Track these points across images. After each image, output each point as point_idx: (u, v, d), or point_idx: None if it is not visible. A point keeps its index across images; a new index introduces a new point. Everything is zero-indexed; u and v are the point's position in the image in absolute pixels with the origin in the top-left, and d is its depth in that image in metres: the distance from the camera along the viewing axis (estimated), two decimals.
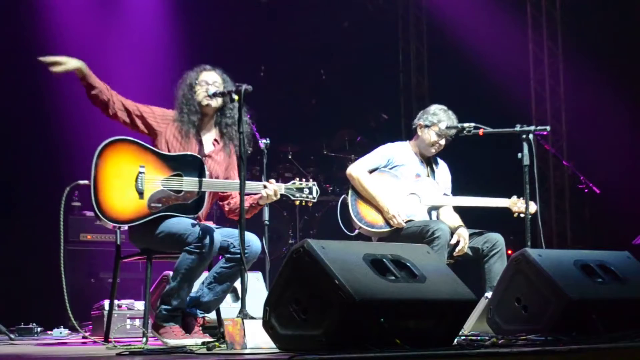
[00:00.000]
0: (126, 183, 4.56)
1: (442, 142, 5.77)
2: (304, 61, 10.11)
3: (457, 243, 5.49)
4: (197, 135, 4.81)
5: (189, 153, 4.73)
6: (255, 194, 4.79)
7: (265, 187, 4.74)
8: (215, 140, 4.90)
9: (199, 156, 4.72)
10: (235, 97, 4.46)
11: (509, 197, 5.72)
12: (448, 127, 5.69)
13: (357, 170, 5.69)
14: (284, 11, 10.03)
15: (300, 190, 4.85)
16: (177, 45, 8.97)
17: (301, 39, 10.02)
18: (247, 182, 4.58)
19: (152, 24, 9.20)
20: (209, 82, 4.84)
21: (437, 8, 10.46)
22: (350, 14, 10.65)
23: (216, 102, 4.83)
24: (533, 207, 5.47)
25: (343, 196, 5.72)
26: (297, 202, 4.88)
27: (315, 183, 4.91)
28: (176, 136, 4.76)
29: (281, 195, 4.81)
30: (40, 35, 8.35)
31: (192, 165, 4.68)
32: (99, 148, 4.55)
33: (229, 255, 4.65)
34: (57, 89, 8.29)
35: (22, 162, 8.04)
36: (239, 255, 4.50)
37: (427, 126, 5.77)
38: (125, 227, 4.66)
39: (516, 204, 5.67)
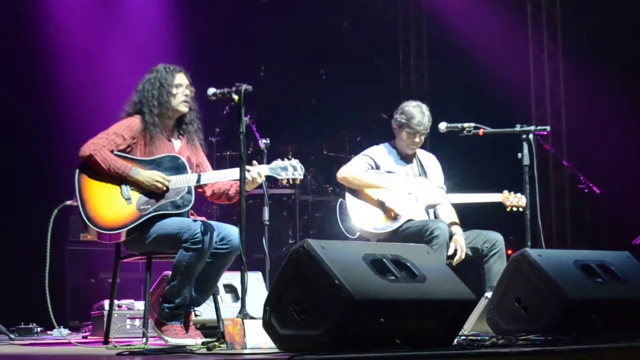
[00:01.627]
0: (111, 193, 4.61)
1: (417, 139, 5.66)
2: (304, 61, 10.11)
3: (455, 252, 5.43)
4: (165, 136, 4.80)
5: (168, 154, 4.74)
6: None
7: (248, 170, 4.66)
8: (180, 135, 4.89)
9: (177, 155, 4.75)
10: (235, 97, 4.46)
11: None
12: (448, 127, 5.67)
13: (348, 169, 5.66)
14: (284, 11, 10.03)
15: (284, 169, 4.77)
16: (177, 45, 8.96)
17: (301, 39, 10.02)
18: (231, 169, 4.67)
19: (152, 24, 9.20)
20: (184, 84, 4.82)
21: (437, 8, 10.46)
22: (350, 14, 10.66)
23: (188, 107, 4.83)
24: (523, 201, 5.46)
25: (340, 200, 5.69)
26: (285, 182, 4.81)
27: (298, 160, 4.82)
28: (148, 143, 4.73)
29: (266, 177, 4.74)
30: (41, 36, 8.36)
31: (173, 164, 4.71)
32: (80, 165, 4.63)
33: (212, 251, 4.61)
34: (58, 89, 8.32)
35: (22, 162, 8.04)
36: (220, 251, 4.58)
37: (399, 126, 5.71)
38: (122, 237, 4.65)
39: (508, 198, 5.65)
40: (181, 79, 4.82)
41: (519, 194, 5.52)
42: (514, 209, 5.60)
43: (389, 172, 5.68)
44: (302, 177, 4.82)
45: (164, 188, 4.61)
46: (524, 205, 5.44)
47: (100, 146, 4.61)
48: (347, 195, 5.63)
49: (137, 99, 4.81)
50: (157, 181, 4.61)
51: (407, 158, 5.79)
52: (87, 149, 4.61)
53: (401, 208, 5.51)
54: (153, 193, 4.63)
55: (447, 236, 5.35)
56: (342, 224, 5.65)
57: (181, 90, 4.80)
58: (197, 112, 4.94)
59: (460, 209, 5.79)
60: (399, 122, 5.70)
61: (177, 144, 4.87)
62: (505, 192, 5.68)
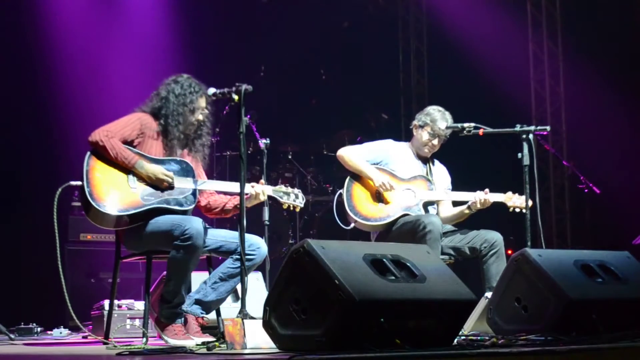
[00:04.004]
0: (119, 179, 4.65)
1: (435, 142, 5.78)
2: (304, 61, 10.11)
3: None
4: (176, 145, 4.88)
5: (178, 158, 4.84)
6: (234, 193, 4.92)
7: (252, 186, 4.87)
8: (185, 145, 4.96)
9: (187, 161, 4.84)
10: (235, 97, 4.46)
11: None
12: (448, 127, 5.69)
13: (347, 150, 5.73)
14: (284, 11, 10.03)
15: (287, 194, 5.03)
16: (177, 45, 8.97)
17: (301, 39, 10.02)
18: (234, 182, 4.80)
19: (152, 24, 9.20)
20: (204, 107, 4.92)
21: (437, 8, 10.47)
22: (350, 14, 10.66)
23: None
24: (529, 203, 5.47)
25: (339, 192, 5.73)
26: (285, 206, 5.04)
27: (300, 191, 5.09)
28: (159, 148, 4.83)
29: (269, 197, 4.96)
30: (41, 36, 8.36)
31: (181, 167, 4.80)
32: (91, 150, 4.65)
33: (237, 256, 4.70)
34: (57, 88, 8.31)
35: (22, 162, 8.04)
36: (249, 257, 4.61)
37: (421, 126, 5.82)
38: (123, 223, 4.65)
39: (511, 199, 5.67)
40: (204, 102, 4.92)
41: (522, 196, 5.52)
42: (517, 209, 5.62)
43: (390, 168, 5.71)
44: (302, 205, 5.08)
45: (167, 185, 4.69)
46: (527, 206, 5.44)
47: (111, 134, 4.67)
48: (345, 187, 5.67)
49: (158, 105, 4.89)
50: (161, 177, 4.68)
51: (422, 159, 5.85)
52: (97, 135, 4.66)
53: (381, 179, 5.56)
54: (158, 188, 4.69)
55: (440, 230, 5.38)
56: (338, 216, 5.69)
57: (202, 112, 4.91)
58: (209, 129, 5.02)
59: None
60: (422, 121, 5.80)
61: (180, 150, 4.92)
62: (509, 193, 5.69)
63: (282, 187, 5.02)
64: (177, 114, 4.84)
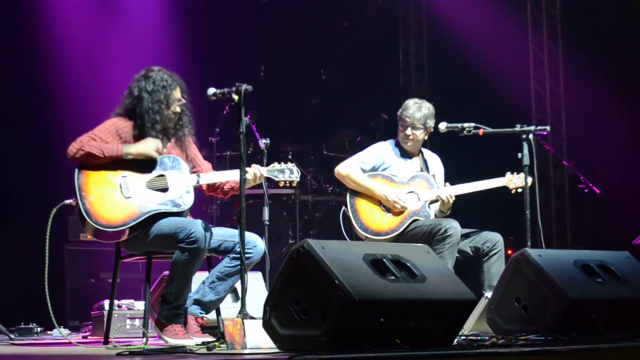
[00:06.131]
0: (112, 191, 4.62)
1: (408, 132, 5.72)
2: (304, 61, 10.11)
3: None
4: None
5: (167, 155, 4.80)
6: None
7: (246, 172, 4.76)
8: (169, 136, 4.93)
9: (175, 156, 4.80)
10: (235, 97, 4.46)
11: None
12: (448, 127, 5.68)
13: (346, 167, 5.70)
14: (284, 11, 10.04)
15: (282, 171, 4.94)
16: (177, 45, 8.97)
17: (301, 39, 10.02)
18: (231, 170, 4.84)
19: (152, 24, 9.20)
20: (179, 97, 4.88)
21: (437, 8, 10.47)
22: (350, 14, 10.66)
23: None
24: (529, 180, 5.44)
25: (343, 209, 5.70)
26: (282, 184, 4.97)
27: (294, 164, 5.01)
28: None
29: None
30: (41, 36, 8.36)
31: (173, 164, 4.76)
32: (78, 165, 4.64)
33: (234, 255, 4.69)
34: (57, 91, 8.32)
35: (22, 162, 8.04)
36: (246, 255, 4.56)
37: (398, 120, 5.81)
38: (123, 236, 4.64)
39: (512, 180, 5.66)
40: (179, 93, 4.88)
41: (522, 174, 5.48)
42: (519, 190, 5.58)
43: (388, 173, 5.69)
44: (298, 179, 5.00)
45: (160, 148, 4.69)
46: (529, 184, 5.40)
47: (86, 139, 4.64)
48: (349, 204, 5.62)
49: (131, 104, 4.84)
50: (152, 153, 4.66)
51: (409, 154, 5.81)
52: (74, 146, 4.63)
53: (394, 197, 5.53)
54: (153, 192, 4.65)
55: (459, 236, 5.37)
56: (347, 235, 5.66)
57: (179, 103, 4.87)
58: (190, 117, 4.97)
59: (461, 209, 5.78)
60: (398, 115, 5.77)
61: (166, 143, 4.89)
62: (508, 174, 5.68)
63: (276, 165, 4.96)
64: (152, 112, 4.79)
